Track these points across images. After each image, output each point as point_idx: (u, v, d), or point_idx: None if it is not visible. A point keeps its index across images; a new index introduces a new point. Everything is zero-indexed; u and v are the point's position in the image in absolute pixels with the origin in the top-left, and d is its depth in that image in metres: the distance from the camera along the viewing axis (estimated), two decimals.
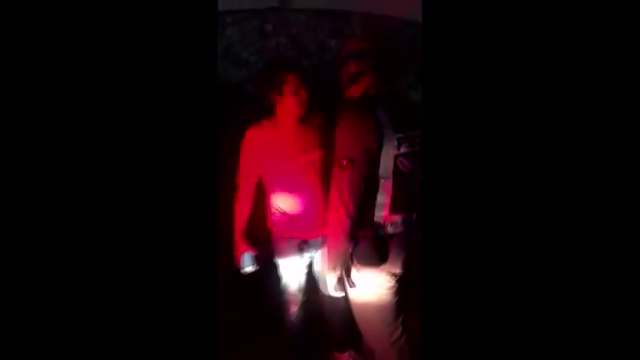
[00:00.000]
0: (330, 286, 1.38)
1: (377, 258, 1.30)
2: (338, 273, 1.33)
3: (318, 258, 1.68)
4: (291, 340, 1.78)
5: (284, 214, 1.60)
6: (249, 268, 1.65)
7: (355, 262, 1.33)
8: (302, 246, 1.62)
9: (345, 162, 1.19)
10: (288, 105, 1.46)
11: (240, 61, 2.22)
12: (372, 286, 1.36)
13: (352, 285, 1.35)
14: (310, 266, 1.71)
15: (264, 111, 1.59)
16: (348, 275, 1.35)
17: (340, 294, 1.38)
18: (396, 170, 1.26)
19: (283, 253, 1.64)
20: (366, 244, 1.30)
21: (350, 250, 1.31)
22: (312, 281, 1.77)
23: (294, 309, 1.71)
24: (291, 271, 1.66)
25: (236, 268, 1.67)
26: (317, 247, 1.64)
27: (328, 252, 1.33)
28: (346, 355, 1.86)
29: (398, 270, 1.37)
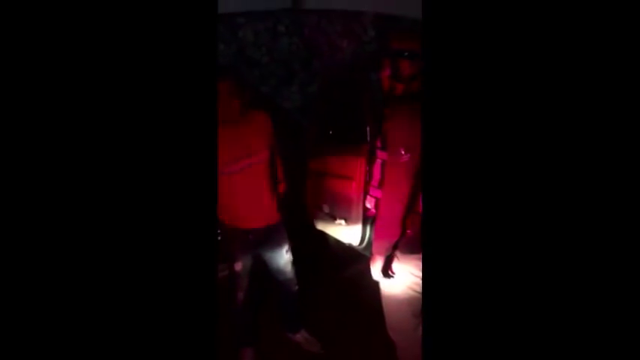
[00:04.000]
0: (375, 271, 1.41)
1: (420, 247, 1.34)
2: (384, 259, 1.37)
3: (267, 246, 1.77)
4: (237, 325, 1.81)
5: (232, 206, 1.65)
6: None
7: (397, 250, 1.36)
8: (249, 235, 1.71)
9: (403, 151, 1.24)
10: (225, 109, 1.51)
11: (252, 62, 2.25)
12: (406, 276, 1.39)
13: (392, 274, 1.39)
14: (258, 253, 1.79)
15: None
16: (390, 264, 1.39)
17: (385, 279, 1.42)
18: None
19: (232, 243, 1.70)
20: (412, 233, 1.33)
21: (397, 238, 1.34)
22: (258, 266, 1.82)
23: (240, 295, 1.75)
24: (238, 258, 1.72)
25: None
26: (262, 235, 1.73)
27: (378, 238, 1.37)
28: (299, 335, 1.93)
29: None
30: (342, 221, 2.04)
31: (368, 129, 1.95)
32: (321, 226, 2.20)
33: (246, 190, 1.65)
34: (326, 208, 2.12)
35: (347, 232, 2.05)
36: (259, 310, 1.95)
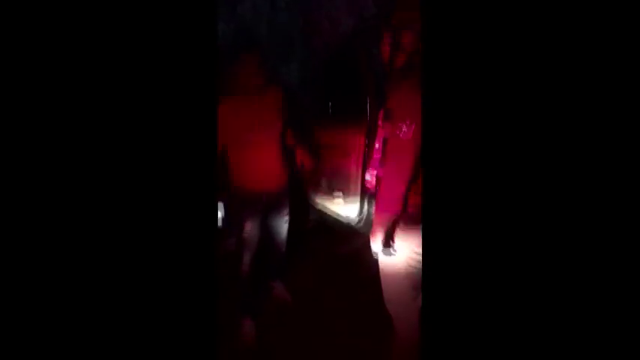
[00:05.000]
0: (375, 246, 1.41)
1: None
2: (384, 235, 1.37)
3: (272, 210, 1.89)
4: (240, 293, 1.89)
5: (246, 173, 1.77)
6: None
7: (399, 226, 1.36)
8: (260, 200, 1.80)
9: (405, 127, 1.23)
10: (248, 82, 1.67)
11: (251, 38, 2.22)
12: (407, 251, 1.39)
13: (393, 252, 1.39)
14: (264, 218, 1.89)
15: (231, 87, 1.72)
16: (391, 239, 1.39)
17: (386, 255, 1.42)
18: None
19: (243, 208, 1.82)
20: (414, 209, 1.33)
21: (399, 214, 1.35)
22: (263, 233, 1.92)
23: (247, 260, 1.84)
24: (251, 224, 1.83)
25: None
26: (270, 200, 1.84)
27: (379, 214, 1.37)
28: (274, 283, 2.08)
29: None
30: (340, 196, 2.04)
31: (368, 104, 1.94)
32: (320, 201, 2.19)
33: (260, 158, 1.75)
34: (324, 183, 2.12)
35: (345, 208, 2.05)
36: (260, 280, 2.00)
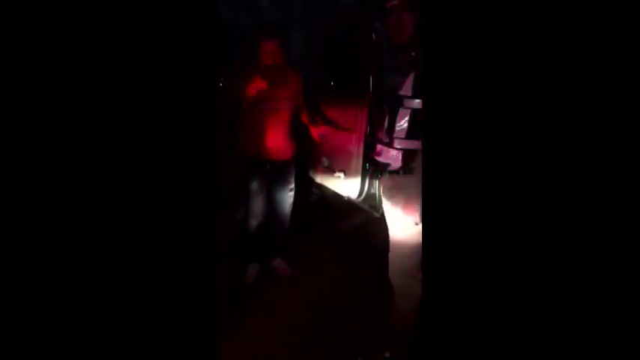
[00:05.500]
0: (408, 218, 1.43)
1: None
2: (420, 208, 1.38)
3: (277, 180, 2.02)
4: (246, 245, 2.06)
5: (256, 139, 1.94)
6: None
7: None
8: (268, 166, 1.97)
9: None
10: (268, 62, 1.87)
11: (251, 7, 2.16)
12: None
13: (418, 222, 1.41)
14: (269, 186, 2.02)
15: (256, 67, 1.88)
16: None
17: (411, 226, 1.44)
18: None
19: (251, 171, 1.98)
20: None
21: None
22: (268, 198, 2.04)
23: (253, 223, 2.01)
24: (256, 191, 1.99)
25: None
26: (276, 168, 2.00)
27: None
28: (274, 262, 2.17)
29: None
30: (341, 174, 2.04)
31: (371, 80, 1.90)
32: (320, 179, 2.20)
33: (271, 128, 1.93)
34: (325, 161, 2.12)
35: (346, 185, 2.06)
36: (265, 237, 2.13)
